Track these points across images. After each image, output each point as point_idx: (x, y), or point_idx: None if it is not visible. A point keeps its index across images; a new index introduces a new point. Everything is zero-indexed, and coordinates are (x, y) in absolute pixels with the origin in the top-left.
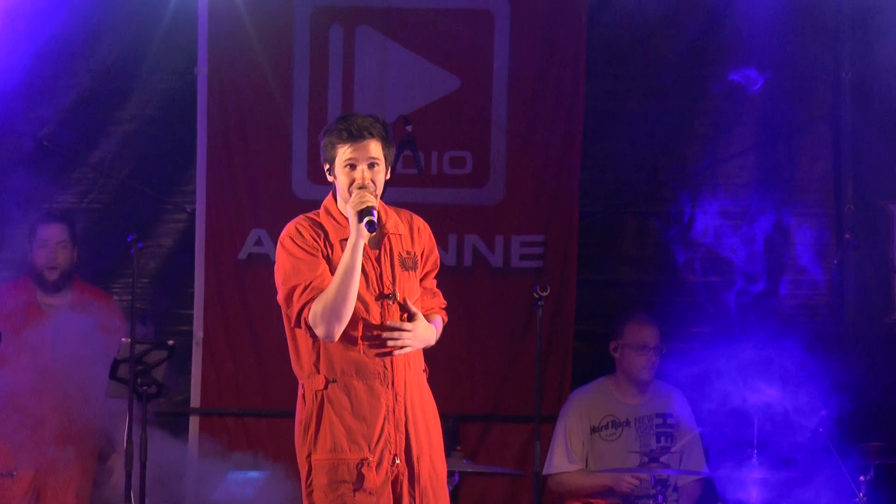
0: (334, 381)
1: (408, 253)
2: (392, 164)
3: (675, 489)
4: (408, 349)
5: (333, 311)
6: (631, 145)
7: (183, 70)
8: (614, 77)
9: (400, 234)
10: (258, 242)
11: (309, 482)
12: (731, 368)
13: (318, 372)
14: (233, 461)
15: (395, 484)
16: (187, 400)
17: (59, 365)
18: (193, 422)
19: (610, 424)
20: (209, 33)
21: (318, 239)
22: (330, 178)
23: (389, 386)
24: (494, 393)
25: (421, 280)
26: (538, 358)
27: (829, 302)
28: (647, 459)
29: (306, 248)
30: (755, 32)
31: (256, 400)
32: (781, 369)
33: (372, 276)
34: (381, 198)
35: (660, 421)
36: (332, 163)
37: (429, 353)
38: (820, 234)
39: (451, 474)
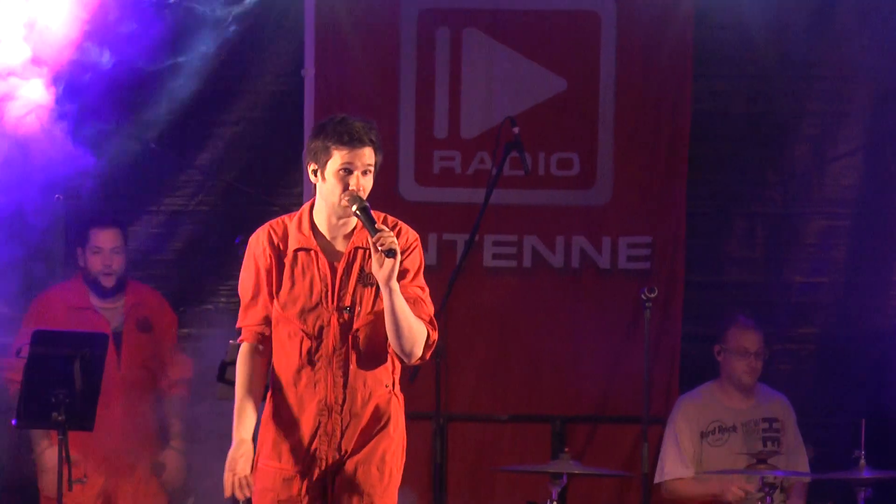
0: (279, 390)
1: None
2: (499, 167)
3: (783, 490)
4: (392, 256)
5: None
6: (738, 146)
7: (290, 72)
8: (721, 77)
9: (367, 248)
10: None
11: (254, 480)
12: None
13: (271, 377)
14: None
15: (326, 499)
16: None
17: (124, 370)
18: None
19: (717, 430)
20: (316, 35)
21: (267, 248)
22: (314, 180)
23: (322, 401)
24: (602, 394)
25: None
26: (645, 360)
27: None
28: (754, 461)
29: (256, 256)
30: (862, 33)
31: None
32: None
33: (323, 287)
34: (487, 203)
35: (766, 426)
36: (323, 166)
37: (535, 352)
38: None
39: (558, 476)
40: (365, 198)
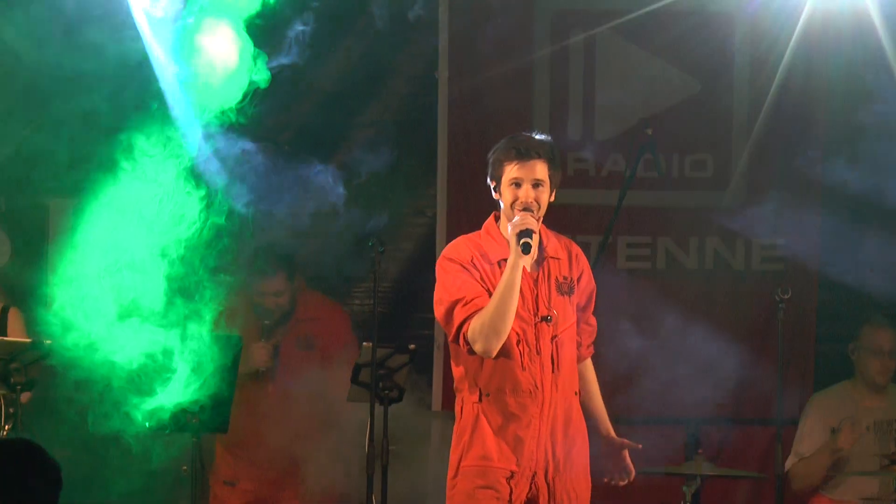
0: (488, 395)
1: (564, 278)
2: (633, 168)
3: None
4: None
5: (492, 328)
6: (873, 149)
7: (423, 74)
8: (856, 79)
9: (559, 259)
10: None
11: (453, 484)
12: None
13: (476, 385)
14: None
15: (532, 501)
16: (427, 403)
17: (281, 388)
18: (435, 426)
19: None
20: (450, 37)
21: (477, 258)
22: (496, 196)
23: (538, 403)
24: (736, 396)
25: (582, 310)
26: (780, 361)
27: None
28: (888, 462)
29: (467, 266)
30: None
31: None
32: None
33: (529, 296)
34: (621, 205)
35: None
36: (498, 181)
37: (668, 355)
38: None
39: (693, 477)
40: (541, 209)
